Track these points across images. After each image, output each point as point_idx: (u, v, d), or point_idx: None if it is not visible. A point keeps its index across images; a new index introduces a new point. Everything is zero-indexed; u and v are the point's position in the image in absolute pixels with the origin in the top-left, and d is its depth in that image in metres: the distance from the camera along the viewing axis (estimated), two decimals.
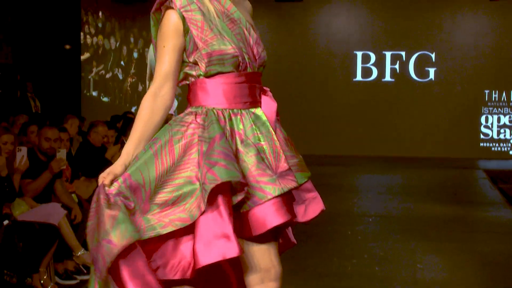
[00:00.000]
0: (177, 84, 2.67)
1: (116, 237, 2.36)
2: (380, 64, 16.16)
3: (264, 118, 2.65)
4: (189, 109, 2.64)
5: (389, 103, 15.89)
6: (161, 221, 2.45)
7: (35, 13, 13.34)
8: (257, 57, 2.69)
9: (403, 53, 16.08)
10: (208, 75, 2.60)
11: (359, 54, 16.23)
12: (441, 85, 15.96)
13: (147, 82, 15.63)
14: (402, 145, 15.71)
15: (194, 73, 2.63)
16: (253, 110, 2.66)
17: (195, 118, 2.58)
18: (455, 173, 12.90)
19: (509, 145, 15.78)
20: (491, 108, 15.80)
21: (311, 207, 2.73)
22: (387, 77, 16.18)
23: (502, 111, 15.77)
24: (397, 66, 16.02)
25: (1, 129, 5.68)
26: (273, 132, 2.63)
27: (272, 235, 2.59)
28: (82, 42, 14.69)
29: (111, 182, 2.47)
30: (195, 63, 2.61)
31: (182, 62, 2.64)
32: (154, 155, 2.51)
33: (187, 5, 2.59)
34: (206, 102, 2.61)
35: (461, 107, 15.72)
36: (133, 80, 15.44)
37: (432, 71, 16.02)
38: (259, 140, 2.60)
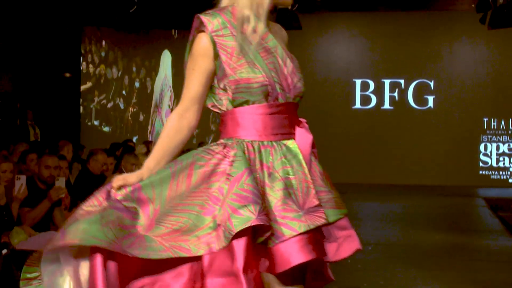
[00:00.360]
0: (203, 107, 2.62)
1: (69, 232, 2.34)
2: (379, 92, 16.21)
3: (296, 150, 2.58)
4: (220, 140, 2.57)
5: (388, 131, 15.91)
6: (162, 245, 2.36)
7: (35, 41, 13.41)
8: (291, 87, 2.61)
9: (402, 81, 16.15)
10: (236, 104, 2.54)
11: (358, 82, 16.29)
12: (440, 113, 16.00)
13: (151, 111, 15.66)
14: (401, 173, 15.70)
15: (223, 100, 2.58)
16: (285, 142, 2.57)
17: (223, 149, 2.50)
18: (454, 201, 12.87)
19: (509, 173, 15.77)
20: (490, 136, 15.82)
21: (345, 246, 2.64)
22: (386, 105, 16.23)
23: (501, 139, 15.78)
24: (396, 94, 16.08)
25: (1, 157, 5.69)
26: (305, 166, 2.55)
27: (298, 273, 2.48)
28: (84, 71, 14.77)
29: (120, 188, 2.43)
30: (224, 90, 2.56)
31: (211, 87, 2.59)
32: (171, 174, 2.45)
33: (220, 29, 2.54)
34: (236, 133, 2.55)
35: (460, 135, 15.74)
36: (134, 110, 15.48)
37: (431, 99, 16.07)
38: (288, 174, 2.50)
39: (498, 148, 15.78)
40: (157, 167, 2.50)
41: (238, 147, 2.50)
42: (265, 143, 2.53)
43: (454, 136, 15.75)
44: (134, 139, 13.85)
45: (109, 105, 15.37)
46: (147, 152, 9.08)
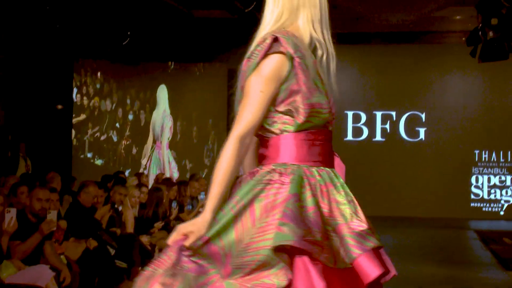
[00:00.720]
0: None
1: None
2: (370, 123, 16.28)
3: (341, 179, 2.58)
4: (271, 166, 2.47)
5: (379, 163, 15.94)
6: (244, 286, 2.31)
7: (28, 73, 13.44)
8: (334, 117, 2.63)
9: (394, 113, 16.23)
10: (301, 128, 2.49)
11: (350, 113, 16.36)
12: (431, 145, 16.06)
13: (149, 146, 15.61)
14: (393, 205, 15.69)
15: (278, 123, 2.49)
16: (332, 170, 2.58)
17: (280, 177, 2.43)
18: (446, 233, 12.86)
19: (500, 205, 15.79)
20: (481, 168, 15.86)
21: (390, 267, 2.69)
22: (378, 137, 16.28)
23: (492, 171, 15.83)
24: (387, 126, 16.14)
25: None
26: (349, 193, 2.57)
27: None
28: (79, 103, 14.77)
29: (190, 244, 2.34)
30: (285, 113, 2.47)
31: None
32: (234, 217, 2.37)
33: (295, 51, 2.48)
34: (292, 159, 2.48)
35: (451, 167, 15.77)
36: (128, 142, 15.48)
37: (422, 131, 16.14)
38: (344, 198, 2.53)
39: (489, 180, 15.82)
40: (220, 198, 2.39)
41: (296, 173, 2.44)
42: (322, 168, 2.53)
43: (445, 168, 15.78)
44: (127, 173, 13.80)
45: (102, 138, 15.37)
46: (139, 185, 9.06)
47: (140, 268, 7.68)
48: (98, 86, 15.23)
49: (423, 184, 15.78)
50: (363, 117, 16.27)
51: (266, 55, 2.45)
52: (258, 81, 2.44)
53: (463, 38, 13.71)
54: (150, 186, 10.03)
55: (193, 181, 11.02)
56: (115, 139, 15.53)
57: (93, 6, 11.57)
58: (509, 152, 15.74)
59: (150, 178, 12.48)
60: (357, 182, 14.23)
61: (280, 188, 2.41)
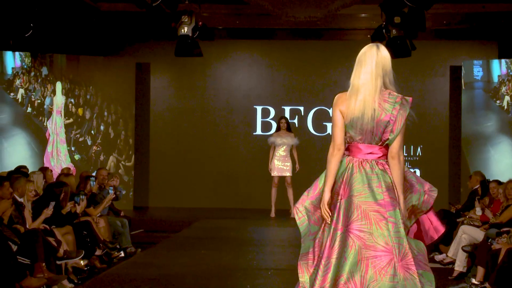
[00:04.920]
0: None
1: None
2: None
3: None
4: None
5: None
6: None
7: None
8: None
9: (302, 108, 16.44)
10: None
11: (259, 108, 16.48)
12: None
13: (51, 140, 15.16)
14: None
15: None
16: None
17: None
18: None
19: None
20: None
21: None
22: None
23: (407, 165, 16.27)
24: (296, 121, 16.34)
25: None
26: None
27: None
28: None
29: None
30: None
31: None
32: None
33: None
34: None
35: None
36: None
37: (329, 125, 16.42)
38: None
39: None
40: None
41: None
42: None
43: None
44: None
45: None
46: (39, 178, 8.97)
47: (43, 264, 7.50)
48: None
49: None
50: (272, 111, 16.42)
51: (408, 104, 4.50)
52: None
53: (368, 36, 14.06)
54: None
55: (100, 172, 10.91)
56: None
57: None
58: (411, 147, 16.25)
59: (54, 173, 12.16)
60: (268, 175, 14.35)
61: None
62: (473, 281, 7.98)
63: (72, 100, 15.22)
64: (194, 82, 16.49)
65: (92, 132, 15.40)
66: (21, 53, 14.36)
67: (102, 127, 15.47)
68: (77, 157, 15.17)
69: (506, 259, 7.37)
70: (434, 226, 4.33)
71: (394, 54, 12.91)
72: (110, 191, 10.40)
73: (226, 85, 16.52)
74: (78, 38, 15.44)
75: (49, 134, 14.75)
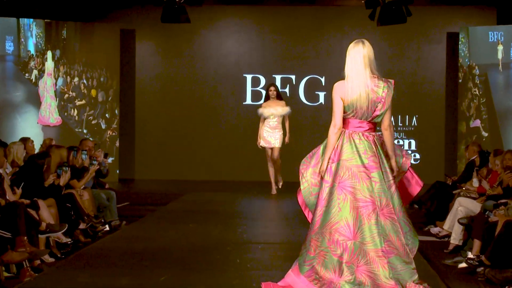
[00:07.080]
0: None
1: None
2: None
3: None
4: None
5: None
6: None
7: None
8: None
9: (293, 77, 16.10)
10: None
11: (249, 77, 16.12)
12: (331, 109, 15.99)
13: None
14: (292, 170, 15.59)
15: None
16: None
17: None
18: None
19: None
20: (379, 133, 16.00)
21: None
22: None
23: (396, 135, 15.99)
24: (287, 90, 16.00)
25: None
26: None
27: None
28: None
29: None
30: None
31: None
32: None
33: None
34: None
35: None
36: None
37: (322, 95, 16.10)
38: None
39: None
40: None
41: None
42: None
43: None
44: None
45: None
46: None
47: (25, 237, 7.32)
48: None
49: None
50: (263, 80, 16.07)
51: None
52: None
53: (362, 1, 13.67)
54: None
55: (86, 143, 10.64)
56: None
57: None
58: (406, 117, 15.95)
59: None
60: (255, 147, 14.06)
61: None
62: (469, 254, 7.73)
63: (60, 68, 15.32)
64: (181, 49, 16.08)
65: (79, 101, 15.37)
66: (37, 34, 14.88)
67: (86, 91, 15.42)
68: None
69: (503, 232, 7.13)
70: (415, 179, 5.53)
71: (389, 21, 12.56)
72: (94, 162, 10.09)
73: (214, 52, 16.13)
74: (60, 3, 15.13)
75: (40, 92, 15.06)
